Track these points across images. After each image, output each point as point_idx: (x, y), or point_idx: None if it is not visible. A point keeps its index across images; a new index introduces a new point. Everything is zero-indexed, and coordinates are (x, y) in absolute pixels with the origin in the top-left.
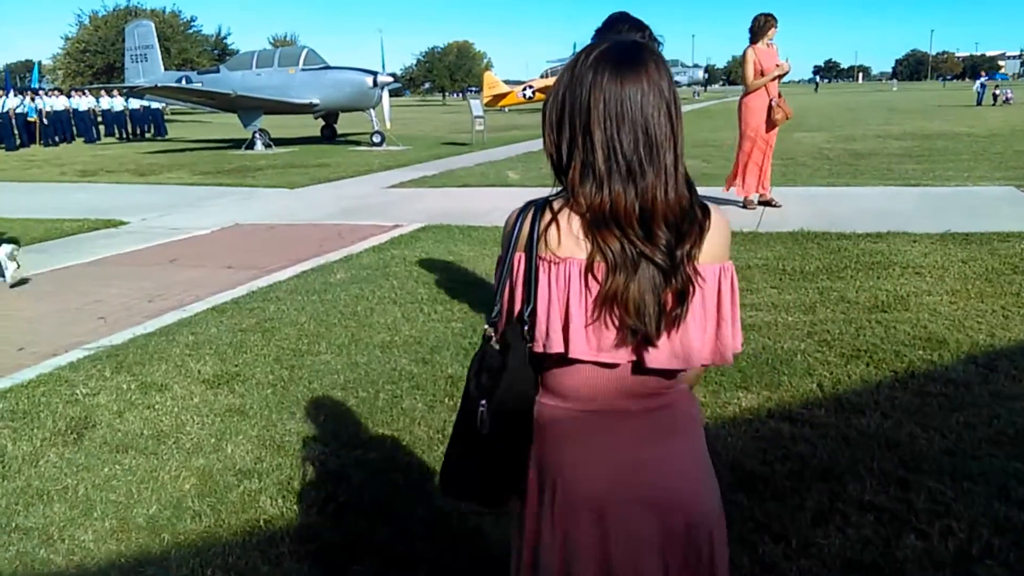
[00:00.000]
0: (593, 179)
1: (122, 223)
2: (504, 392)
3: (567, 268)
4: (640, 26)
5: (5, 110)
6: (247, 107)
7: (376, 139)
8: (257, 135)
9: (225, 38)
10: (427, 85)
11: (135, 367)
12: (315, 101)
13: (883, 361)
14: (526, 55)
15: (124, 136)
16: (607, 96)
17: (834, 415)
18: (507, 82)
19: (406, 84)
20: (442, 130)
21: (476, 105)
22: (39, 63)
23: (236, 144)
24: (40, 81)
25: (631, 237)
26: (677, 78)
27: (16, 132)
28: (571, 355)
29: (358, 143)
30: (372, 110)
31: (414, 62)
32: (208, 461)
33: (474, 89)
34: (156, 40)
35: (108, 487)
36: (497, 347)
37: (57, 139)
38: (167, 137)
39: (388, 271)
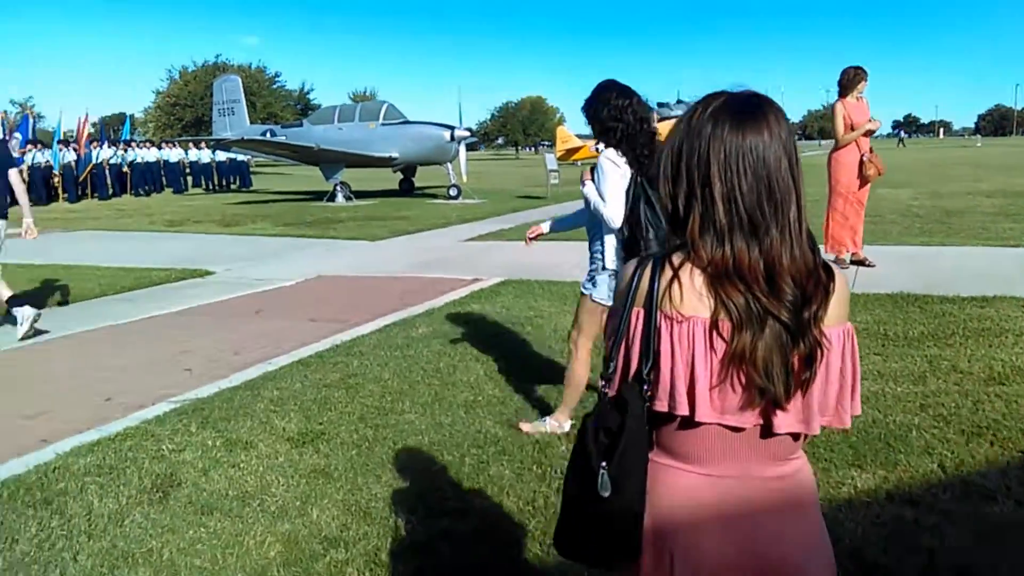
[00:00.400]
0: (714, 232)
1: (208, 273)
2: (624, 453)
3: (691, 326)
4: (628, 93)
5: (99, 161)
6: (329, 160)
7: (453, 192)
8: (338, 187)
9: (308, 93)
10: (501, 139)
11: (220, 423)
12: (394, 155)
13: (1008, 440)
14: None
15: (211, 187)
16: (727, 147)
17: (961, 501)
18: (580, 136)
19: (481, 138)
20: (516, 183)
21: (551, 159)
22: (131, 116)
23: (318, 196)
24: (132, 133)
25: (756, 292)
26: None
27: (109, 182)
28: (697, 418)
29: (435, 196)
30: (449, 164)
31: (489, 117)
32: (294, 526)
33: (547, 143)
34: (243, 95)
35: (193, 551)
36: (612, 406)
37: (147, 189)
38: (252, 188)
39: (470, 326)
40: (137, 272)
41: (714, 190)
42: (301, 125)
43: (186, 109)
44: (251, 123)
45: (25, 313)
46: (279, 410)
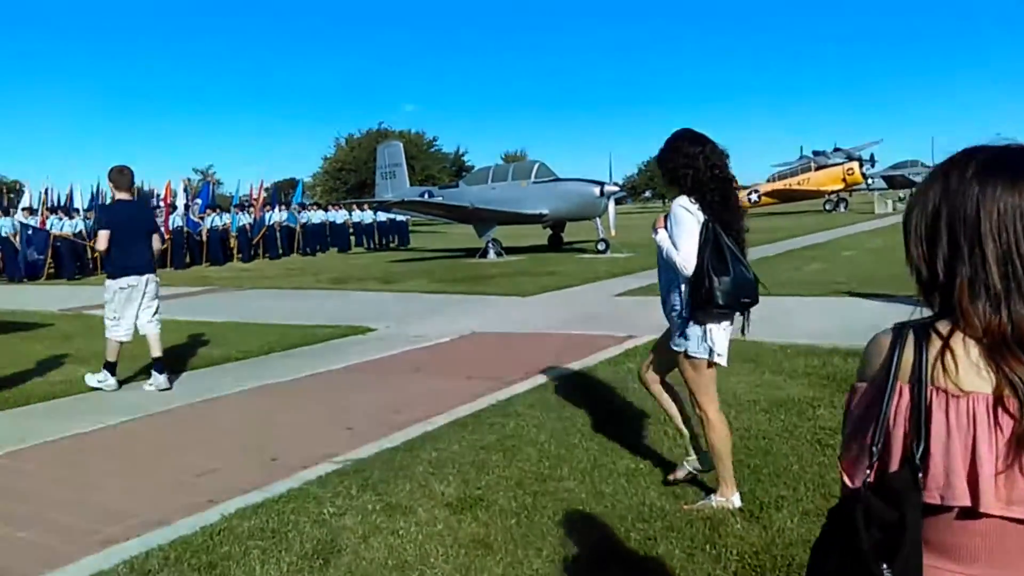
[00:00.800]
0: (987, 298)
1: (370, 330)
2: (910, 552)
3: (971, 404)
4: (700, 140)
5: (271, 222)
6: (482, 219)
7: (601, 247)
8: (490, 244)
9: (463, 155)
10: (648, 192)
11: (380, 485)
12: (545, 212)
13: None
14: (748, 160)
15: (371, 246)
16: (1002, 207)
17: None
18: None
19: (629, 192)
20: None
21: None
22: (302, 181)
23: (470, 253)
24: (302, 197)
25: None
26: (916, 178)
27: (279, 243)
28: (981, 508)
29: (583, 250)
30: (598, 219)
31: (636, 171)
32: None
33: None
34: (403, 158)
35: None
36: (882, 497)
37: (315, 248)
38: (410, 247)
39: (626, 387)
40: (304, 329)
41: (987, 252)
42: (457, 186)
43: (350, 173)
44: (410, 185)
45: (108, 382)
46: (437, 473)
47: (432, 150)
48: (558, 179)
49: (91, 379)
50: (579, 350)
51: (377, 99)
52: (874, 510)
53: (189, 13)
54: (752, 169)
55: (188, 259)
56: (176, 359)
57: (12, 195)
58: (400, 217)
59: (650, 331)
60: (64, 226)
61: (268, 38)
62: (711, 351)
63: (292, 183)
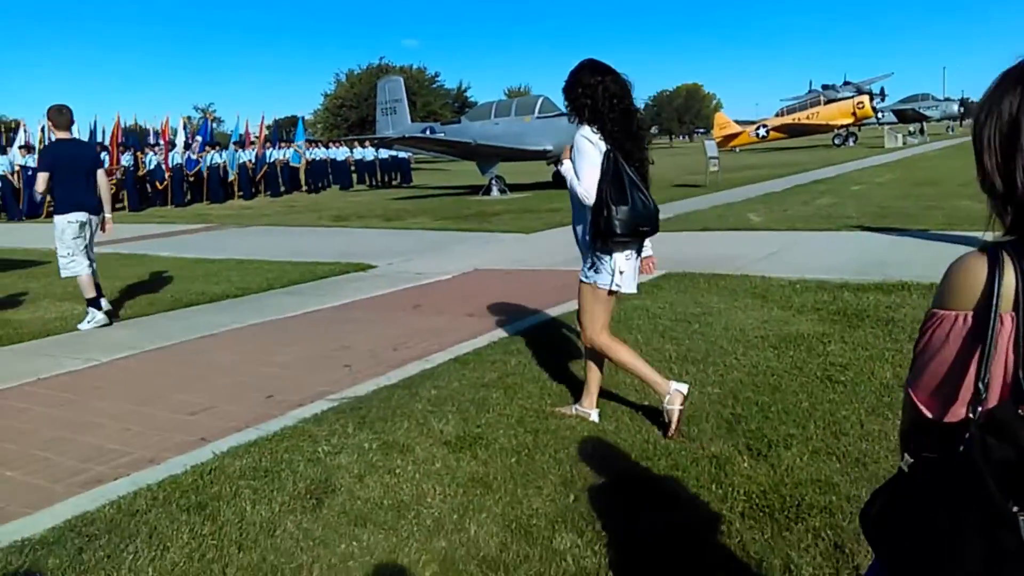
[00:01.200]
0: None
1: (370, 267)
2: None
3: None
4: (601, 71)
5: (272, 160)
6: (485, 155)
7: None
8: (493, 181)
9: (465, 91)
10: (655, 128)
11: (377, 423)
12: (548, 148)
13: None
14: (756, 95)
15: (374, 183)
16: None
17: None
18: (738, 122)
19: None
20: (672, 173)
21: (711, 145)
22: (302, 118)
23: (474, 190)
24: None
25: None
26: (928, 112)
27: (280, 180)
28: None
29: None
30: None
31: (642, 106)
32: (450, 544)
33: (702, 131)
34: (404, 94)
35: (343, 569)
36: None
37: (317, 186)
38: (412, 184)
39: (631, 324)
40: (303, 266)
41: None
42: (459, 122)
43: (351, 110)
44: (412, 122)
45: (96, 317)
46: (436, 411)
47: (434, 86)
48: (563, 113)
49: (84, 325)
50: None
51: (378, 34)
52: (991, 448)
53: None
54: (764, 105)
55: (188, 197)
56: (175, 296)
57: (10, 133)
58: (402, 154)
59: (658, 266)
60: None
61: None
62: (613, 281)
63: (293, 120)
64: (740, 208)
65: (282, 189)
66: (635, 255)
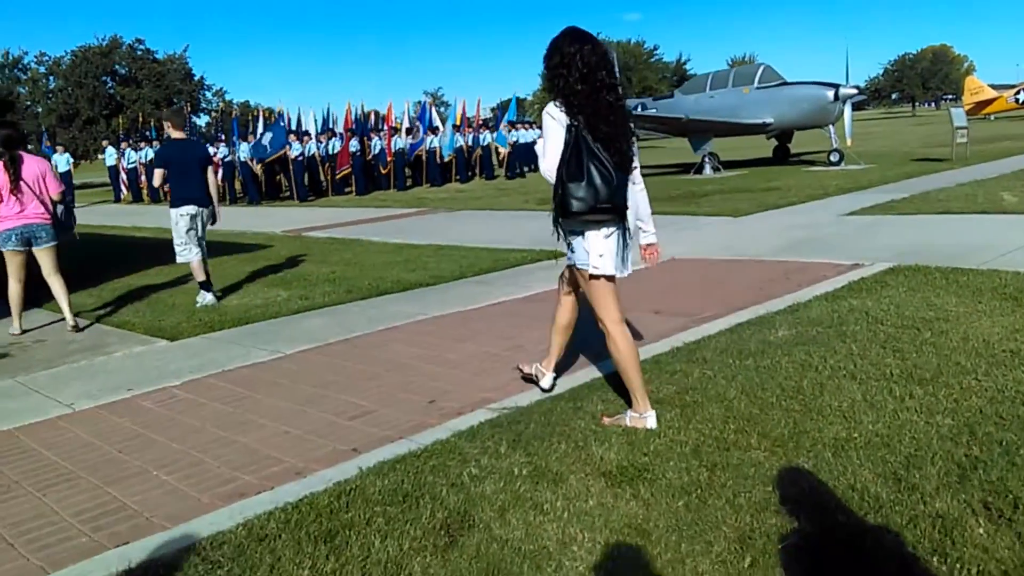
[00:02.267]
0: None
1: (562, 255)
2: None
3: None
4: (581, 39)
5: (485, 143)
6: (697, 131)
7: (834, 158)
8: (706, 159)
9: (685, 63)
10: (894, 96)
11: (533, 443)
12: (768, 120)
13: None
14: (1016, 56)
15: None
16: None
17: None
18: (993, 87)
19: (871, 95)
20: (912, 144)
21: (958, 114)
22: (515, 98)
23: (685, 169)
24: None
25: None
26: None
27: (495, 163)
28: None
29: (813, 163)
30: (831, 126)
31: (880, 72)
32: None
33: (950, 97)
34: (618, 70)
35: None
36: None
37: (524, 169)
38: None
39: (844, 330)
40: (497, 254)
41: None
42: (672, 96)
43: None
44: (627, 98)
45: (207, 299)
46: (600, 431)
47: (652, 60)
48: (785, 83)
49: (199, 303)
50: (791, 281)
51: (599, 8)
52: None
53: None
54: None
55: (410, 181)
56: (372, 283)
57: (254, 121)
58: None
59: (882, 258)
60: (295, 148)
61: None
62: (591, 263)
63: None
64: (991, 187)
65: (496, 172)
66: (618, 235)
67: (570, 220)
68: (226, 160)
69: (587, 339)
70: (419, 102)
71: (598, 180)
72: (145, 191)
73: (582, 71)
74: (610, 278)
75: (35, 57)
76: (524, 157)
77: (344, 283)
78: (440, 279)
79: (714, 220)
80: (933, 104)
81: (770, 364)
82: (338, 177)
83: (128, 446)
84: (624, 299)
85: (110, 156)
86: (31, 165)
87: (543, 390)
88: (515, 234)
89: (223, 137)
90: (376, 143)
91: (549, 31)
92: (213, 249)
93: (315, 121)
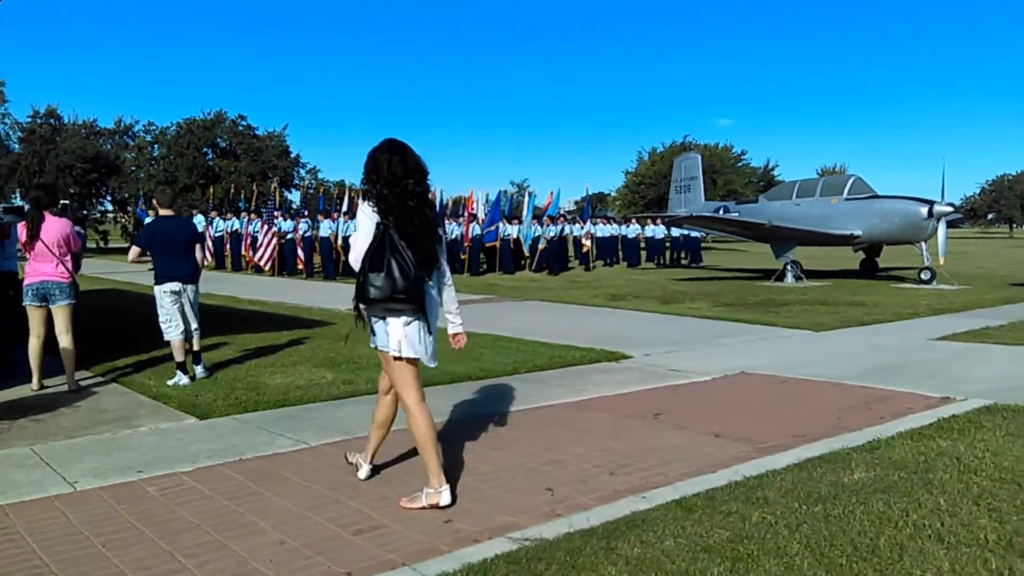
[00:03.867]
0: None
1: (625, 357)
2: None
3: None
4: (394, 150)
5: (564, 234)
6: (781, 238)
7: (925, 276)
8: (788, 267)
9: (773, 169)
10: (990, 216)
11: None
12: (857, 232)
13: None
14: None
15: (661, 262)
16: None
17: None
18: None
19: (966, 214)
20: (1009, 267)
21: None
22: (603, 195)
23: (766, 275)
24: (593, 211)
25: None
26: None
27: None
28: None
29: (902, 279)
30: (924, 243)
31: (976, 191)
32: None
33: None
34: (700, 172)
35: None
36: None
37: (605, 262)
38: (701, 265)
39: (931, 478)
40: (554, 350)
41: None
42: (756, 201)
43: (649, 187)
44: (708, 200)
45: (181, 380)
46: None
47: (739, 165)
48: (876, 196)
49: (170, 382)
50: (871, 412)
51: (692, 114)
52: None
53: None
54: None
55: (484, 267)
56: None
57: (338, 200)
58: (695, 233)
59: (976, 393)
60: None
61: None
62: (390, 346)
63: (600, 197)
64: None
65: (570, 265)
66: (419, 323)
67: (371, 307)
68: (307, 235)
69: (637, 458)
70: (503, 190)
71: (396, 273)
72: (228, 259)
73: (388, 178)
74: (412, 361)
75: (143, 126)
76: (605, 251)
77: (360, 371)
78: (490, 373)
79: (792, 333)
80: None
81: (842, 514)
82: None
83: (114, 540)
84: (684, 415)
85: (199, 224)
86: (53, 226)
87: (360, 479)
88: (579, 330)
89: (307, 213)
90: (453, 228)
91: (644, 131)
92: (274, 322)
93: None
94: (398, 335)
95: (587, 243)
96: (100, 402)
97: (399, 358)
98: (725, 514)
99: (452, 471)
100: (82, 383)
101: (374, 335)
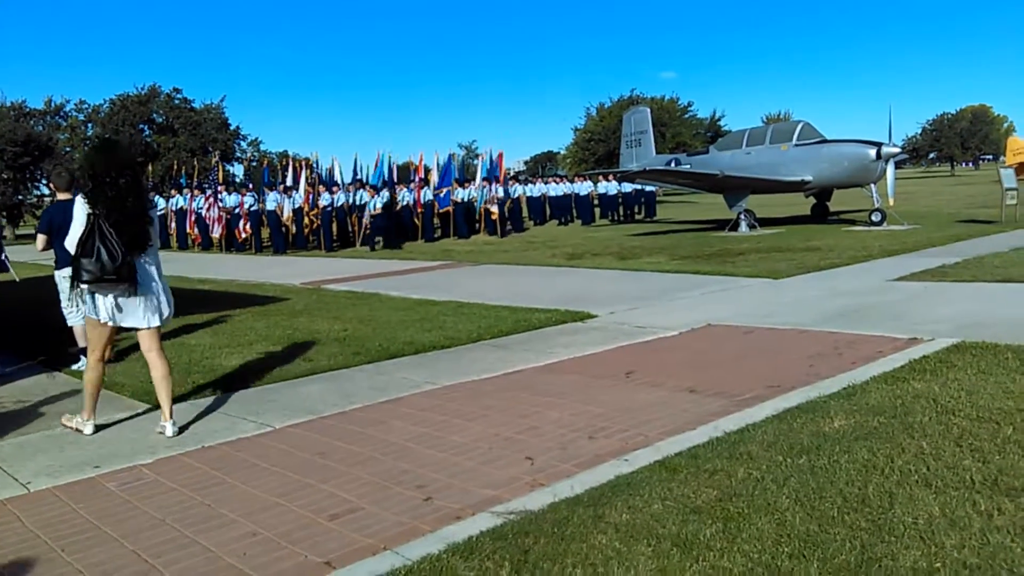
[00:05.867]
0: None
1: (590, 316)
2: None
3: None
4: (103, 148)
5: (515, 196)
6: (733, 187)
7: (876, 217)
8: (742, 216)
9: (719, 120)
10: (932, 155)
11: (541, 566)
12: (807, 178)
13: None
14: None
15: (616, 218)
16: None
17: None
18: None
19: (908, 155)
20: (956, 205)
21: (1008, 175)
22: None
23: (720, 225)
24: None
25: None
26: None
27: (525, 216)
28: None
29: (853, 222)
30: (873, 185)
31: (918, 131)
32: None
33: (989, 157)
34: (651, 126)
35: None
36: None
37: (559, 221)
38: (655, 219)
39: (911, 421)
40: (519, 313)
41: None
42: (707, 152)
43: (599, 144)
44: (659, 153)
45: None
46: (623, 552)
47: (686, 116)
48: (825, 140)
49: (74, 367)
50: (842, 358)
51: (634, 68)
52: None
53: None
54: None
55: (438, 232)
56: (383, 344)
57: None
58: (649, 187)
59: (942, 332)
60: (324, 199)
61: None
62: (98, 313)
63: (548, 156)
64: None
65: (525, 226)
66: (133, 297)
67: (83, 285)
68: (253, 209)
69: (614, 419)
70: (453, 153)
71: (105, 257)
72: (173, 238)
73: (94, 173)
74: (104, 325)
75: (75, 105)
76: (559, 210)
77: (353, 343)
78: (455, 341)
79: (752, 282)
80: (972, 164)
81: (827, 464)
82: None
83: (73, 543)
84: (657, 372)
85: None
86: None
87: (86, 434)
88: (541, 291)
89: (251, 186)
90: (403, 194)
91: (590, 87)
92: (227, 300)
93: (341, 171)
94: (106, 308)
95: (494, 210)
96: (48, 394)
97: (104, 324)
98: (710, 472)
99: (426, 444)
100: (26, 375)
101: (86, 305)
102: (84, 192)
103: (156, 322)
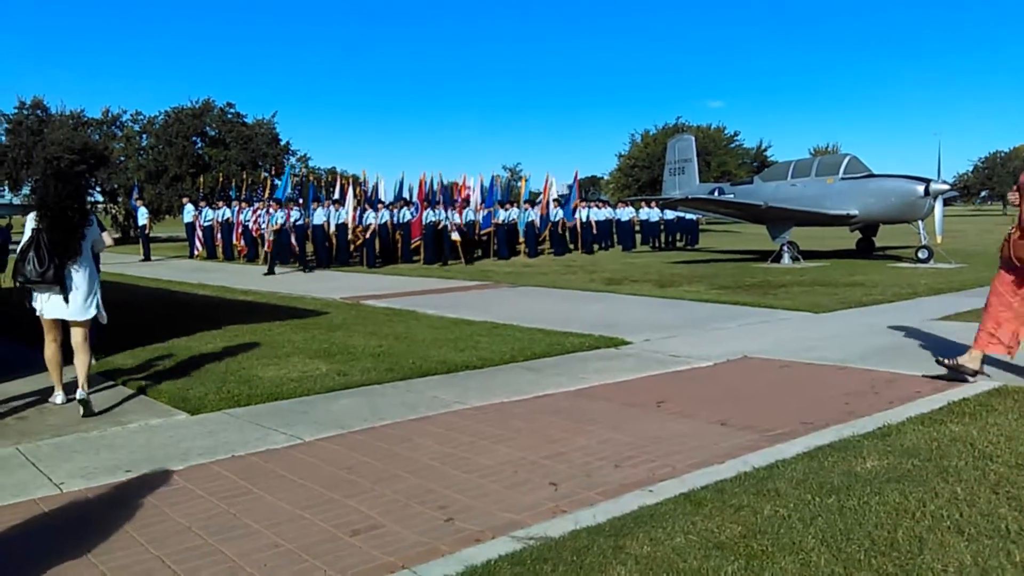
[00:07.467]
0: None
1: (624, 343)
2: None
3: None
4: (56, 176)
5: (557, 219)
6: (777, 218)
7: (923, 255)
8: (785, 248)
9: (766, 150)
10: (983, 193)
11: None
12: (853, 212)
13: None
14: None
15: (656, 245)
16: None
17: None
18: None
19: (959, 192)
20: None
21: None
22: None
23: (762, 256)
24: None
25: None
26: None
27: (567, 240)
28: None
29: (899, 258)
30: (920, 222)
31: (970, 168)
32: None
33: None
34: (695, 154)
35: None
36: None
37: (599, 246)
38: (697, 247)
39: (946, 465)
40: (553, 336)
41: None
42: (751, 182)
43: (643, 170)
44: (703, 182)
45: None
46: None
47: (732, 146)
48: (872, 175)
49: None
50: (879, 397)
51: (683, 96)
52: None
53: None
54: None
55: (479, 253)
56: (416, 362)
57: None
58: (691, 215)
59: (989, 376)
60: (368, 217)
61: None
62: (36, 307)
63: (593, 180)
64: None
65: (568, 249)
66: (61, 296)
67: (23, 285)
68: (299, 224)
69: (642, 449)
70: (496, 175)
71: (33, 266)
72: (220, 248)
73: (40, 196)
74: (53, 321)
75: (131, 115)
76: (600, 236)
77: (388, 359)
78: (488, 362)
79: (791, 315)
80: None
81: (857, 505)
82: (411, 247)
83: (99, 545)
84: (688, 403)
85: (187, 213)
86: None
87: (57, 403)
88: (577, 315)
89: (301, 201)
90: (453, 215)
91: (637, 114)
92: (267, 312)
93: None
94: (40, 304)
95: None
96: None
97: (44, 319)
98: (736, 508)
99: (452, 464)
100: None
101: (34, 300)
102: (36, 210)
103: (80, 316)
